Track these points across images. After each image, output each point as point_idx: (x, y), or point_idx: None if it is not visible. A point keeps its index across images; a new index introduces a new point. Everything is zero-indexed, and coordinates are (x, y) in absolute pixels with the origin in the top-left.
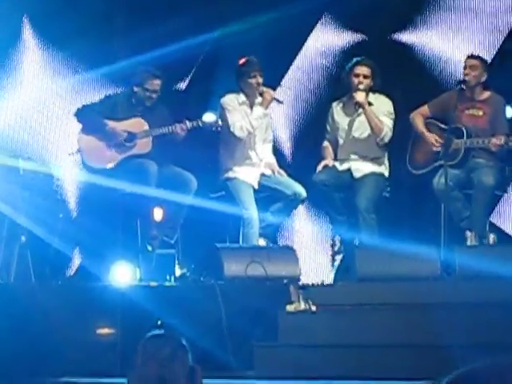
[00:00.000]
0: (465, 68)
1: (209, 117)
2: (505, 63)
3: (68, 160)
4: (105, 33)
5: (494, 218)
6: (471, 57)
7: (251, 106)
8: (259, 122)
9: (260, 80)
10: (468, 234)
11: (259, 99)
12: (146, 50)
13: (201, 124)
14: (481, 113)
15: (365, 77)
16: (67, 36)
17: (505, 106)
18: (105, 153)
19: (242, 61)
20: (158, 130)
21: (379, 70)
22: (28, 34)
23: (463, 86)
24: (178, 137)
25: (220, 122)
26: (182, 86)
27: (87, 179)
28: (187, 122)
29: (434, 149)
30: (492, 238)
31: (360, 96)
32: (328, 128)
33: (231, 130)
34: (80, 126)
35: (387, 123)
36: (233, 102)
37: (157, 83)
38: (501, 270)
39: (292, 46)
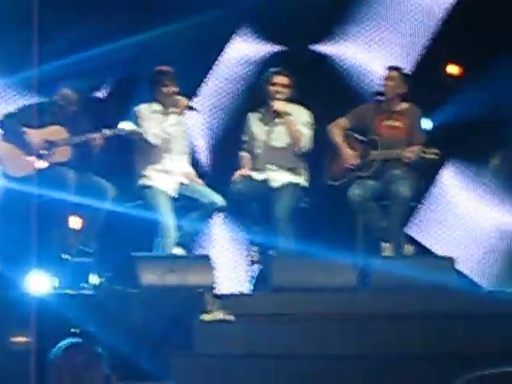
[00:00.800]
0: (384, 79)
1: (126, 125)
2: (424, 75)
3: None
4: (25, 37)
5: (409, 229)
6: (390, 68)
7: (166, 115)
8: (174, 129)
9: (174, 89)
10: (384, 245)
11: (173, 109)
12: (67, 55)
13: (118, 132)
14: (398, 124)
15: (283, 86)
16: None
17: (421, 117)
18: (24, 161)
19: (158, 69)
20: (77, 138)
21: (296, 80)
22: None
23: (381, 98)
24: (96, 145)
25: (137, 129)
26: (102, 94)
27: (4, 185)
28: (106, 131)
29: (346, 165)
30: (408, 248)
31: (278, 105)
32: (245, 138)
33: (145, 136)
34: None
35: (306, 133)
36: (146, 110)
37: (69, 94)
38: (416, 280)
39: (211, 54)
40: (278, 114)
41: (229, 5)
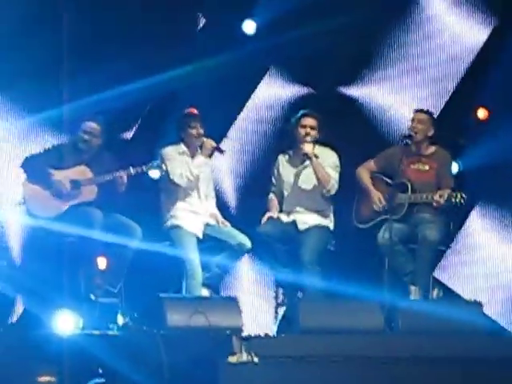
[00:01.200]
0: (412, 122)
1: (154, 174)
2: (451, 119)
3: (13, 208)
4: (51, 77)
5: (437, 273)
6: (419, 111)
7: (192, 157)
8: (200, 170)
9: (200, 131)
10: (411, 288)
11: (200, 150)
12: (93, 95)
13: (145, 170)
14: (427, 167)
15: (311, 128)
16: (12, 78)
17: (451, 161)
18: (50, 202)
19: (185, 112)
20: (102, 178)
21: (325, 123)
22: None
23: (409, 141)
24: (122, 184)
25: (164, 167)
26: (128, 135)
27: (32, 226)
28: (131, 169)
29: (375, 208)
30: (436, 292)
31: (308, 147)
32: (273, 180)
33: (171, 177)
34: (25, 176)
35: (333, 176)
36: (173, 151)
37: (93, 127)
38: (443, 324)
39: (239, 98)
40: (306, 157)
41: (257, 48)
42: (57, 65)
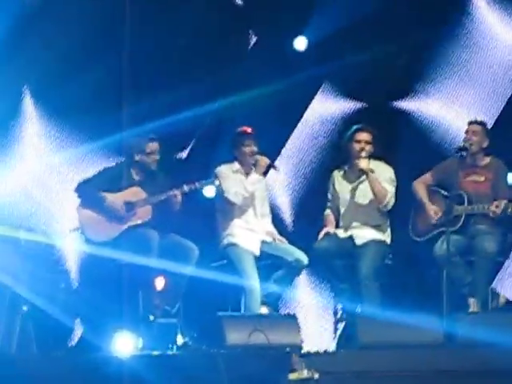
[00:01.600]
0: (466, 133)
1: (209, 191)
2: (505, 129)
3: (69, 234)
4: (109, 103)
5: (496, 285)
6: (473, 122)
7: (246, 175)
8: (255, 188)
9: (254, 149)
10: (470, 300)
11: (254, 168)
12: (150, 120)
13: (199, 186)
14: (482, 178)
15: (366, 143)
16: (69, 107)
17: (507, 172)
18: (106, 226)
19: (239, 130)
20: (156, 197)
21: (379, 136)
22: (28, 104)
23: (464, 153)
24: (177, 202)
25: (217, 183)
26: (183, 155)
27: (89, 251)
28: (184, 186)
29: (433, 221)
30: (500, 301)
31: (364, 163)
32: (329, 196)
33: (225, 195)
34: (79, 200)
35: (390, 190)
36: (227, 170)
37: (155, 146)
38: (503, 337)
39: (293, 115)
40: (362, 172)
41: (309, 64)
42: (115, 92)
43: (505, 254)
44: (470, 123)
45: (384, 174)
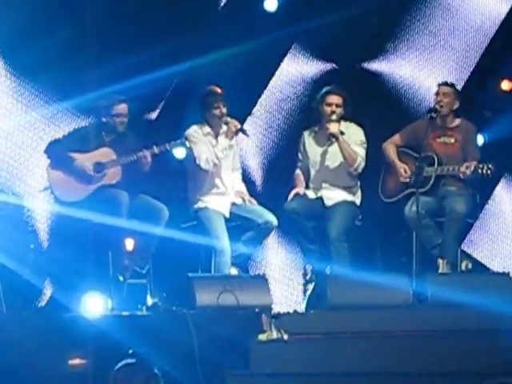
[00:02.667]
0: (437, 95)
1: (179, 152)
2: (475, 91)
3: (38, 194)
4: (76, 64)
5: (465, 246)
6: (443, 84)
7: (216, 137)
8: (225, 154)
9: (224, 110)
10: (440, 261)
11: (224, 129)
12: (118, 81)
13: (169, 148)
14: (452, 140)
15: (337, 106)
16: (38, 67)
17: (476, 133)
18: (76, 186)
19: (207, 89)
20: (126, 158)
21: (350, 98)
22: None
23: (434, 114)
24: (147, 164)
25: (188, 145)
26: (152, 115)
27: (58, 211)
28: (154, 147)
29: (402, 179)
30: (465, 264)
31: (333, 127)
32: (300, 157)
33: (197, 162)
34: (49, 161)
35: (360, 153)
36: (197, 133)
37: (123, 107)
38: (472, 297)
39: (262, 76)
40: (333, 136)
41: (279, 25)
42: (81, 52)
43: (474, 215)
44: (441, 85)
45: (354, 137)
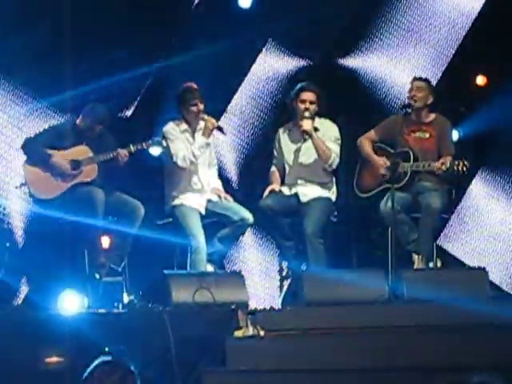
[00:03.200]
0: (411, 90)
1: (155, 151)
2: (450, 86)
3: (14, 191)
4: (52, 62)
5: (441, 241)
6: (417, 79)
7: (193, 134)
8: (201, 152)
9: (201, 107)
10: (415, 257)
11: (201, 125)
12: (93, 79)
13: (145, 146)
14: (427, 135)
15: (311, 102)
16: (14, 65)
17: (451, 128)
18: (51, 183)
19: (184, 87)
20: (103, 156)
21: (324, 95)
22: None
23: (409, 110)
24: (123, 162)
25: (164, 144)
26: (128, 113)
27: (34, 209)
28: (131, 146)
29: (381, 171)
30: (439, 260)
31: (306, 124)
32: (275, 154)
33: (174, 159)
34: (25, 157)
35: (334, 149)
36: (175, 130)
37: (98, 127)
38: (448, 293)
39: (237, 72)
40: (307, 133)
41: (253, 22)
42: (57, 51)
43: (449, 210)
44: (414, 79)
45: (329, 133)
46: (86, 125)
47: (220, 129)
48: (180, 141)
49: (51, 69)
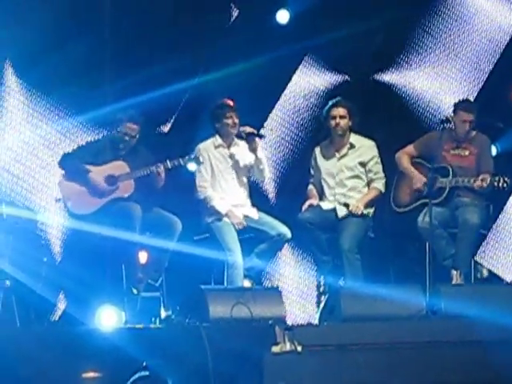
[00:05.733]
0: (464, 121)
1: (191, 166)
2: (488, 101)
3: (52, 206)
4: (91, 78)
5: (478, 257)
6: (466, 109)
7: (228, 147)
8: (236, 160)
9: (236, 120)
10: (453, 272)
11: (236, 141)
12: (132, 96)
13: (182, 163)
14: (467, 153)
15: (341, 117)
16: (52, 81)
17: (490, 146)
18: (88, 199)
19: (219, 102)
20: (139, 172)
21: (357, 110)
22: (11, 79)
23: (447, 125)
24: (160, 177)
25: (201, 160)
26: (165, 129)
27: (71, 225)
28: (168, 162)
29: (418, 185)
30: (485, 271)
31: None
32: (312, 172)
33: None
34: (62, 173)
35: (379, 174)
36: (209, 147)
37: (134, 128)
38: (486, 309)
39: (275, 88)
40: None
41: (291, 38)
42: (96, 68)
43: (487, 226)
44: (463, 110)
45: (369, 153)
46: (122, 131)
47: (258, 135)
48: (214, 157)
49: (90, 85)
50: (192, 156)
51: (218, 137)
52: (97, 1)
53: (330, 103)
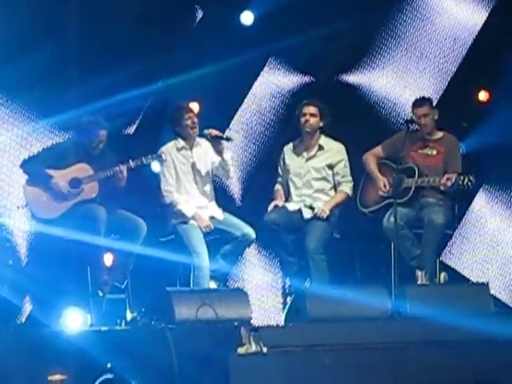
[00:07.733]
0: (419, 117)
1: (155, 166)
2: (453, 101)
3: (16, 211)
4: (56, 83)
5: (444, 257)
6: (419, 105)
7: (191, 148)
8: (200, 164)
9: (195, 119)
10: (418, 273)
11: (198, 141)
12: (97, 99)
13: (145, 162)
14: (435, 152)
15: (311, 115)
16: (18, 86)
17: (459, 147)
18: (52, 204)
19: (175, 106)
20: (103, 173)
21: (328, 111)
22: None
23: (412, 126)
24: (123, 178)
25: (164, 158)
26: (130, 131)
27: (37, 229)
28: (131, 162)
29: (380, 193)
30: (443, 276)
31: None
32: (280, 172)
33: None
34: (26, 177)
35: (347, 178)
36: (172, 149)
37: (104, 134)
38: (451, 309)
39: (240, 89)
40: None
41: (256, 39)
42: (60, 72)
43: (452, 226)
44: (417, 106)
45: (338, 157)
46: (96, 140)
47: (224, 138)
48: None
49: (55, 88)
50: (154, 155)
51: (180, 139)
52: (61, 6)
53: (303, 103)
